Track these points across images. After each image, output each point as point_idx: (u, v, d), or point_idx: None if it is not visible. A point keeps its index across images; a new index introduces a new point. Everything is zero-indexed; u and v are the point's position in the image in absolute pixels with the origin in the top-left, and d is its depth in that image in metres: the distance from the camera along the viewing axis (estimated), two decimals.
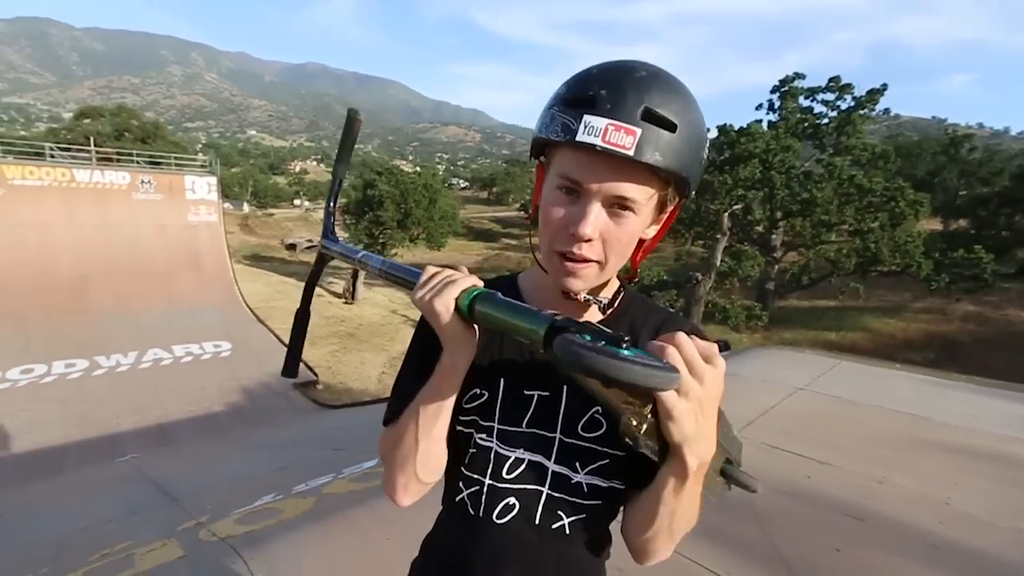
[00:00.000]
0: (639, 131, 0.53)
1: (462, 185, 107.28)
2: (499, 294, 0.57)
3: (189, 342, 14.15)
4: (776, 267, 22.11)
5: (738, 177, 19.06)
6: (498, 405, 0.69)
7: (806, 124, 21.28)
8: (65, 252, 15.47)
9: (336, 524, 1.93)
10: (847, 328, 19.66)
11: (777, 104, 21.55)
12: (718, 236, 18.59)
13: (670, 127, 0.55)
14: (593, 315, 0.71)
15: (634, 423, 0.48)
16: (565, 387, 0.68)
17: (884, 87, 20.74)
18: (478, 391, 0.70)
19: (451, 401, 0.65)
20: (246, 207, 60.71)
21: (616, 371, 0.39)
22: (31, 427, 9.45)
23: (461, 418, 0.71)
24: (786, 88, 21.30)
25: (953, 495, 2.62)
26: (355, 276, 23.92)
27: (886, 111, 23.40)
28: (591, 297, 0.67)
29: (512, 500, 0.68)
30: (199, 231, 18.44)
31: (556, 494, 0.67)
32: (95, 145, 20.92)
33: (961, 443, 3.31)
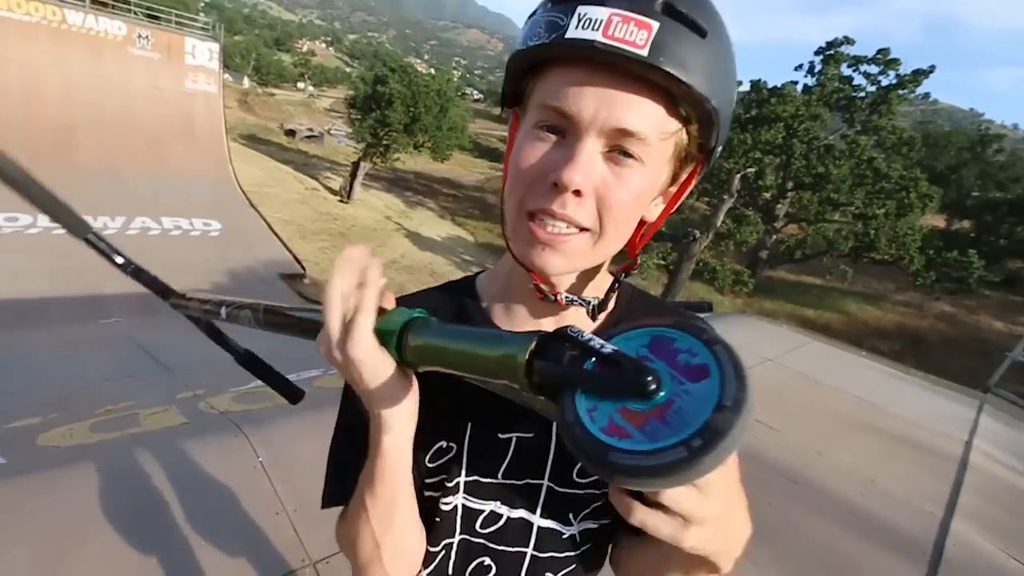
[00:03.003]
0: (656, 25, 0.38)
1: (476, 96, 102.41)
2: (435, 320, 0.40)
3: (178, 216, 13.99)
4: (774, 237, 22.16)
5: (759, 139, 18.53)
6: (464, 455, 0.54)
7: (841, 95, 20.43)
8: (52, 100, 14.72)
9: (328, 416, 2.09)
10: (826, 308, 20.20)
11: (818, 68, 20.50)
12: (725, 196, 18.41)
13: (699, 30, 0.39)
14: (579, 323, 0.52)
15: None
16: (555, 426, 0.45)
17: (931, 69, 19.75)
18: (444, 444, 0.54)
19: (404, 482, 0.48)
20: (246, 82, 57.56)
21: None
22: (17, 275, 9.54)
23: (426, 480, 0.55)
24: (832, 52, 20.19)
25: (879, 475, 2.91)
26: (353, 175, 23.42)
27: (925, 95, 22.50)
28: (575, 297, 0.50)
29: (487, 560, 0.55)
30: (196, 100, 17.59)
31: (543, 554, 0.55)
32: None
33: (899, 432, 3.60)
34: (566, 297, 0.49)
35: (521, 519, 0.54)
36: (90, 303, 9.17)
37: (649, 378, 0.26)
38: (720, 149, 0.45)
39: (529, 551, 0.55)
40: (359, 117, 23.39)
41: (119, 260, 0.62)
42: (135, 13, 18.66)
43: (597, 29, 0.38)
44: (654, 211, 0.49)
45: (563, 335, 0.31)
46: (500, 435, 0.53)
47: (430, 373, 0.40)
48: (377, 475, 0.46)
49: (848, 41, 20.23)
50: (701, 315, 0.57)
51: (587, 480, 0.54)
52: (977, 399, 4.82)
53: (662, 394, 0.26)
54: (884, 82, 20.06)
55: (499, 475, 0.54)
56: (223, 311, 0.58)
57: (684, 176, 0.48)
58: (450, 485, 0.54)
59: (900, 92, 19.72)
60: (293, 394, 0.66)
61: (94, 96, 15.28)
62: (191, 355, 4.41)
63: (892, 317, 20.06)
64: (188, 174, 15.92)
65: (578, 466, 0.54)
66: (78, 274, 10.08)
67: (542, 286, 0.49)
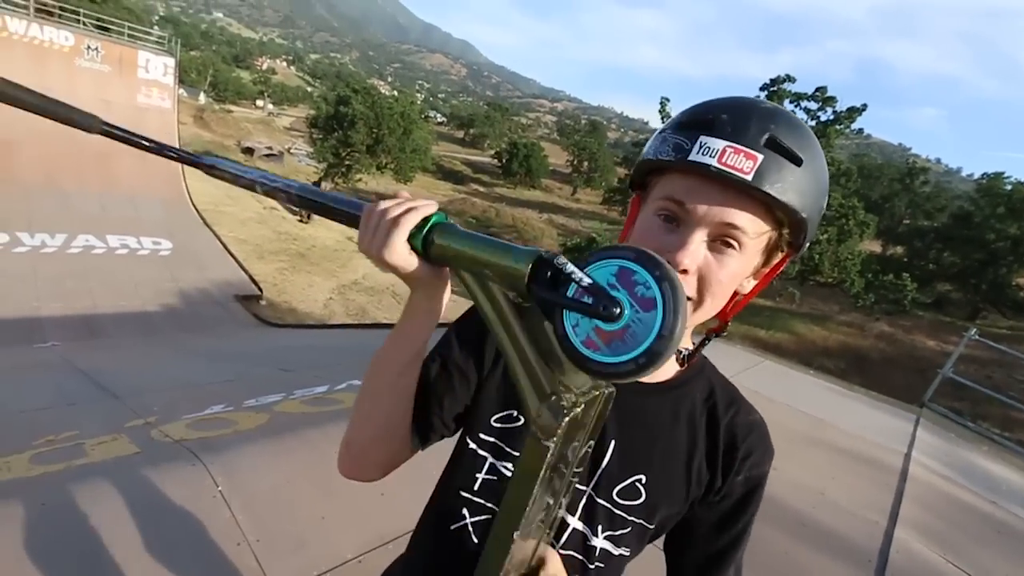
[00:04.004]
0: (761, 157, 0.48)
1: (439, 119, 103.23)
2: (455, 224, 0.48)
3: (126, 234, 13.34)
4: None
5: None
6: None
7: None
8: None
9: (291, 441, 2.05)
10: (777, 328, 21.10)
11: None
12: None
13: (795, 160, 0.49)
14: (669, 367, 0.64)
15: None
16: (613, 442, 0.61)
17: (864, 107, 21.39)
18: (514, 413, 0.61)
19: (419, 349, 0.56)
20: (203, 98, 56.11)
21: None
22: None
23: (481, 436, 0.62)
24: (775, 88, 21.56)
25: (828, 487, 3.05)
26: (318, 185, 23.03)
27: (859, 130, 24.26)
28: None
29: None
30: (148, 116, 16.98)
31: (565, 551, 0.60)
32: None
33: (845, 446, 3.80)
34: None
35: (561, 516, 0.59)
36: (24, 325, 8.55)
37: (616, 309, 0.35)
38: (808, 245, 0.56)
39: (557, 547, 0.60)
40: (321, 137, 23.16)
41: (145, 143, 0.62)
42: (84, 24, 18.01)
43: (713, 156, 0.48)
44: (747, 286, 0.58)
45: (551, 263, 0.39)
46: None
47: None
48: (399, 331, 0.55)
49: (790, 79, 21.68)
50: None
51: (625, 502, 0.60)
52: (914, 413, 5.14)
53: (623, 320, 0.35)
54: (823, 117, 21.54)
55: None
56: (257, 188, 0.60)
57: (775, 261, 0.57)
58: (508, 452, 0.61)
59: (837, 127, 21.22)
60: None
61: None
62: (139, 380, 4.18)
63: (837, 337, 21.14)
64: (138, 191, 15.26)
65: (622, 485, 0.60)
66: (10, 295, 9.40)
67: None
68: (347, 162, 22.75)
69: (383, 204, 0.48)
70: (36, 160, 14.00)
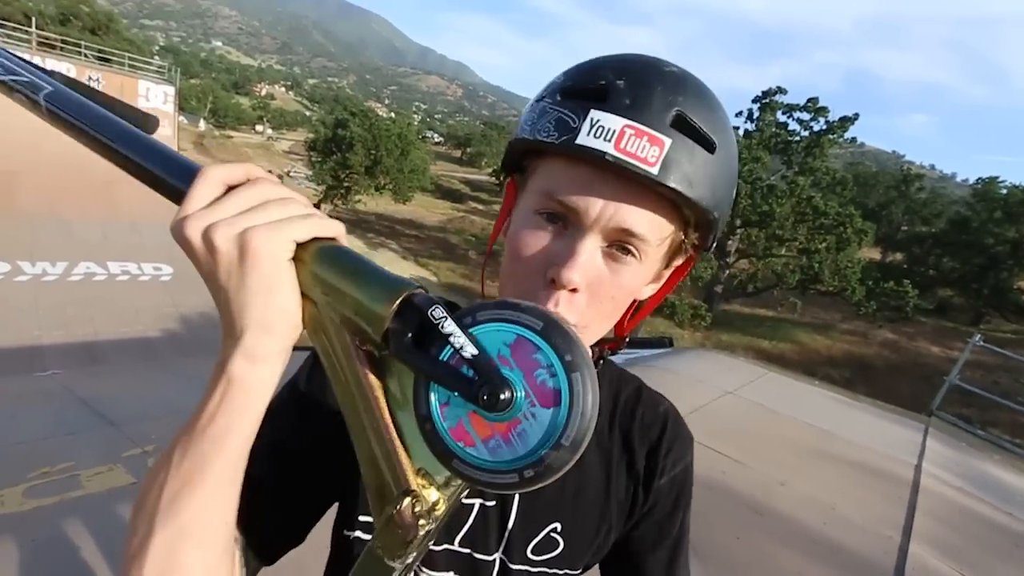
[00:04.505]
0: (668, 142, 0.38)
1: (436, 139, 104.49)
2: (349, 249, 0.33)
3: (127, 260, 13.40)
4: (727, 272, 23.15)
5: None
6: None
7: (778, 139, 22.02)
8: None
9: None
10: (780, 339, 21.01)
11: (756, 115, 22.12)
12: None
13: (708, 145, 0.40)
14: None
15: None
16: (517, 497, 0.52)
17: (856, 116, 21.66)
18: None
19: (243, 447, 0.32)
20: (203, 124, 56.89)
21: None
22: None
23: (357, 532, 0.50)
24: (767, 101, 21.85)
25: (839, 502, 3.00)
26: (318, 208, 23.18)
27: (852, 139, 24.49)
28: None
29: None
30: None
31: None
32: (35, 28, 18.86)
33: (854, 458, 3.74)
34: None
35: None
36: (24, 354, 8.50)
37: (504, 396, 0.26)
38: (715, 245, 0.47)
39: None
40: (320, 160, 23.43)
41: None
42: (85, 56, 18.34)
43: (609, 140, 0.37)
44: (646, 292, 0.49)
45: (423, 312, 0.28)
46: (463, 499, 0.43)
47: None
48: (205, 418, 0.31)
49: (781, 91, 21.97)
50: (663, 351, 0.58)
51: (542, 557, 0.52)
52: (922, 423, 5.08)
53: (512, 413, 0.26)
54: (815, 128, 21.79)
55: (456, 543, 0.51)
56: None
57: (677, 263, 0.48)
58: None
59: (830, 136, 21.44)
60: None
61: (37, 139, 14.62)
62: (138, 407, 4.14)
63: (841, 346, 21.03)
64: (139, 216, 15.35)
65: (535, 541, 0.52)
66: (11, 324, 9.38)
67: None
68: (346, 184, 22.96)
69: (263, 185, 0.33)
70: (38, 190, 14.13)
